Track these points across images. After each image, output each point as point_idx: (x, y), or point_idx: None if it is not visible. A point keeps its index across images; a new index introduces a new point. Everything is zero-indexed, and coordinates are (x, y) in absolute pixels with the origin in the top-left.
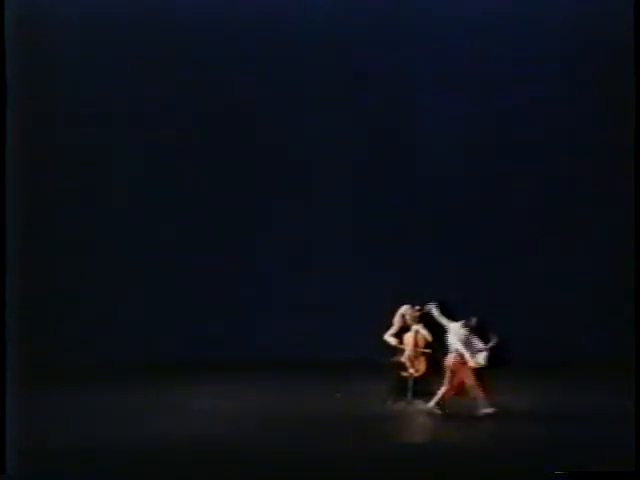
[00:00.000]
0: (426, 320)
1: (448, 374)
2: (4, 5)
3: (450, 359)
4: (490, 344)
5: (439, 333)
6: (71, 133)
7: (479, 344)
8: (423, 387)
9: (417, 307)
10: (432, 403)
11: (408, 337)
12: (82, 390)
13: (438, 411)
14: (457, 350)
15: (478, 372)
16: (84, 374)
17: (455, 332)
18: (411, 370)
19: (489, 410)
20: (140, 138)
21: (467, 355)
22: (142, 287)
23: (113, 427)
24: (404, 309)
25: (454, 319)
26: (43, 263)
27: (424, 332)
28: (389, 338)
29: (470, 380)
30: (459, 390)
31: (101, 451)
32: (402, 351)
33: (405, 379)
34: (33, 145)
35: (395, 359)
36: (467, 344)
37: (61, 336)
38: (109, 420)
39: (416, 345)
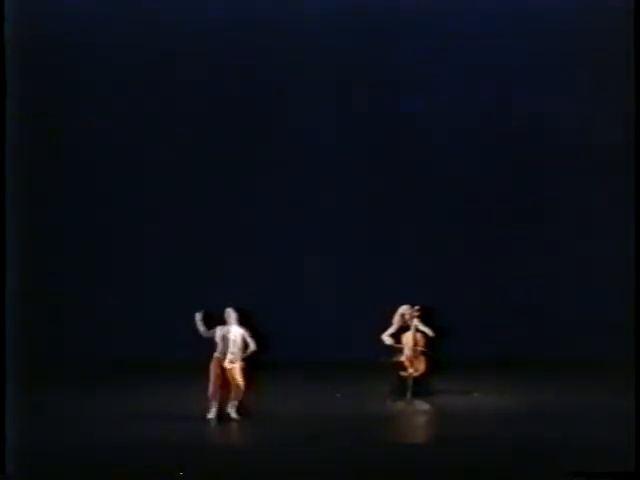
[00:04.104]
0: (425, 320)
1: (238, 377)
2: (4, 6)
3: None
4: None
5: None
6: (71, 133)
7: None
8: (423, 387)
9: (417, 306)
10: (234, 413)
11: (407, 337)
12: (82, 390)
13: (237, 416)
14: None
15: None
16: (84, 374)
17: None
18: (411, 370)
19: (236, 416)
20: (141, 138)
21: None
22: (142, 287)
23: (113, 427)
24: (403, 308)
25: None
26: (43, 263)
27: (424, 328)
28: (386, 338)
29: (240, 379)
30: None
31: (101, 451)
32: (402, 351)
33: (405, 379)
34: (33, 145)
35: (395, 359)
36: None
37: (61, 336)
38: (109, 420)
39: (415, 344)
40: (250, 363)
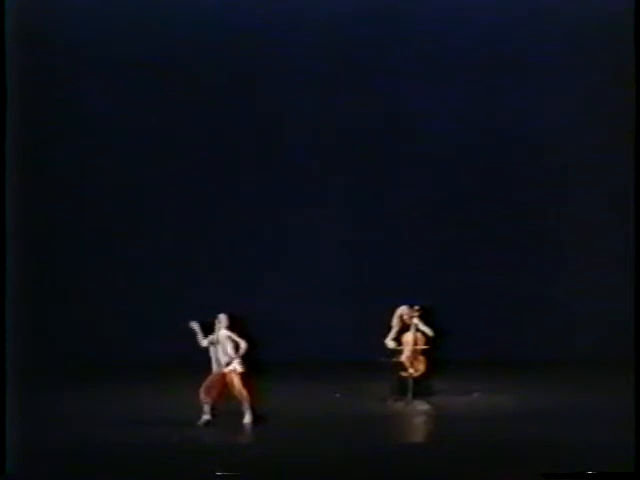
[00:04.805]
0: (425, 320)
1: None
2: (4, 5)
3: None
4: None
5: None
6: (71, 133)
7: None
8: (423, 387)
9: (416, 307)
10: (248, 419)
11: (407, 337)
12: (82, 390)
13: (250, 419)
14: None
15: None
16: (84, 374)
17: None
18: (411, 370)
19: (249, 419)
20: (140, 138)
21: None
22: (143, 287)
23: (113, 428)
24: (402, 310)
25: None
26: (43, 262)
27: (424, 328)
28: (389, 342)
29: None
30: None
31: (101, 451)
32: (401, 351)
33: (405, 379)
34: (33, 145)
35: (395, 359)
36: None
37: (61, 336)
38: (109, 420)
39: (415, 344)
40: (250, 364)
